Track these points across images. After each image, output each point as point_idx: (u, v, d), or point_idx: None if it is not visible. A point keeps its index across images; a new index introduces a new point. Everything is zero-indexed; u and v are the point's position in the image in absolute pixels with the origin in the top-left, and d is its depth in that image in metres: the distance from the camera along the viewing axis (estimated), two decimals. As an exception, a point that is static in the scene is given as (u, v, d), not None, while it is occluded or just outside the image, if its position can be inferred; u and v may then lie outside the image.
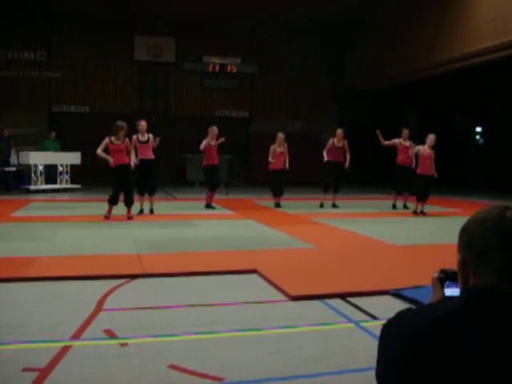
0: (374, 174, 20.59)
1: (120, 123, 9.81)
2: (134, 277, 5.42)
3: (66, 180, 16.76)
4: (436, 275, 1.35)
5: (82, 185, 17.00)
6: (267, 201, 13.50)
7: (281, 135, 12.57)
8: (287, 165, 12.35)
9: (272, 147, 12.49)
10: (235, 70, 21.69)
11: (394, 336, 1.13)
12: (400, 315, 1.18)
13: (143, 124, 10.95)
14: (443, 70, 15.20)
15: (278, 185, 12.49)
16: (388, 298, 4.78)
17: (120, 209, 9.93)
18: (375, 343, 1.24)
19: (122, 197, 9.85)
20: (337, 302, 4.64)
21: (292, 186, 16.79)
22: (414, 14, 16.05)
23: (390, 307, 4.37)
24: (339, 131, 12.62)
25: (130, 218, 9.83)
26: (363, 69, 19.14)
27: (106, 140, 9.81)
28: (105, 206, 9.93)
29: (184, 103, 21.62)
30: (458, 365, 1.02)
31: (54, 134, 17.56)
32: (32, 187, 15.70)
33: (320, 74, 22.14)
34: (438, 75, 15.81)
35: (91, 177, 18.52)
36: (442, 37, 14.74)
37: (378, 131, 12.16)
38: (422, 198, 11.23)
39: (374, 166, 20.86)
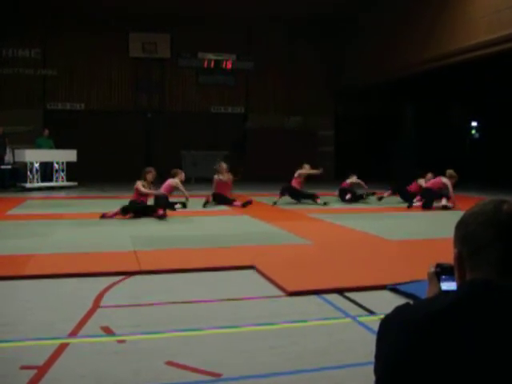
0: (370, 169, 20.60)
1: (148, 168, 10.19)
2: (131, 274, 5.42)
3: (62, 178, 16.72)
4: (432, 269, 1.35)
5: (77, 182, 16.97)
6: (265, 197, 13.50)
7: None
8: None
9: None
10: (230, 66, 21.67)
11: (392, 331, 1.13)
12: (398, 310, 1.18)
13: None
14: (439, 65, 15.23)
15: None
16: (385, 293, 4.79)
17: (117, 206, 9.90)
18: (373, 338, 1.24)
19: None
20: (334, 297, 4.65)
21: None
22: (410, 10, 16.06)
23: (387, 302, 4.38)
24: None
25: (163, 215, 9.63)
26: (359, 64, 19.15)
27: (139, 184, 9.90)
28: (101, 203, 9.90)
29: (179, 99, 21.59)
30: (456, 359, 1.03)
31: (47, 132, 17.49)
32: (28, 185, 15.66)
33: (316, 70, 22.13)
34: (434, 70, 15.83)
35: (87, 174, 18.51)
36: (439, 32, 14.75)
37: None
38: None
39: (369, 161, 20.89)
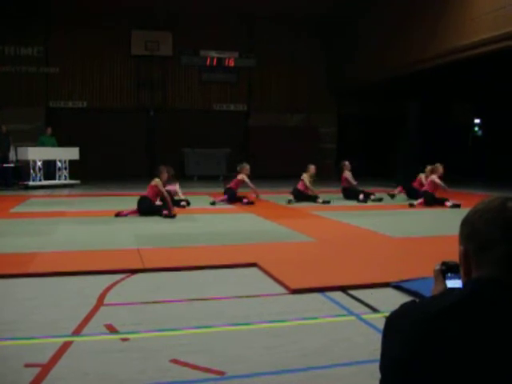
0: (373, 166, 20.59)
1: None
2: (134, 271, 5.43)
3: (65, 176, 16.74)
4: (438, 267, 1.35)
5: (80, 180, 16.99)
6: (268, 195, 13.49)
7: None
8: None
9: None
10: (233, 64, 21.65)
11: (397, 329, 1.13)
12: (403, 308, 1.18)
13: None
14: (442, 62, 15.16)
15: None
16: (389, 291, 4.78)
17: (121, 205, 9.91)
18: (376, 335, 1.24)
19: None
20: (337, 295, 4.65)
21: (290, 179, 16.78)
22: (413, 6, 15.99)
23: (390, 299, 4.38)
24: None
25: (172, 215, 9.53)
26: (362, 61, 19.10)
27: (159, 182, 9.79)
28: (103, 200, 9.91)
29: (182, 97, 21.59)
30: (462, 356, 1.02)
31: (49, 130, 17.50)
32: (31, 183, 15.68)
33: (318, 67, 22.11)
34: (437, 67, 15.77)
35: (90, 172, 18.54)
36: (441, 28, 14.69)
37: None
38: None
39: (372, 158, 20.87)
